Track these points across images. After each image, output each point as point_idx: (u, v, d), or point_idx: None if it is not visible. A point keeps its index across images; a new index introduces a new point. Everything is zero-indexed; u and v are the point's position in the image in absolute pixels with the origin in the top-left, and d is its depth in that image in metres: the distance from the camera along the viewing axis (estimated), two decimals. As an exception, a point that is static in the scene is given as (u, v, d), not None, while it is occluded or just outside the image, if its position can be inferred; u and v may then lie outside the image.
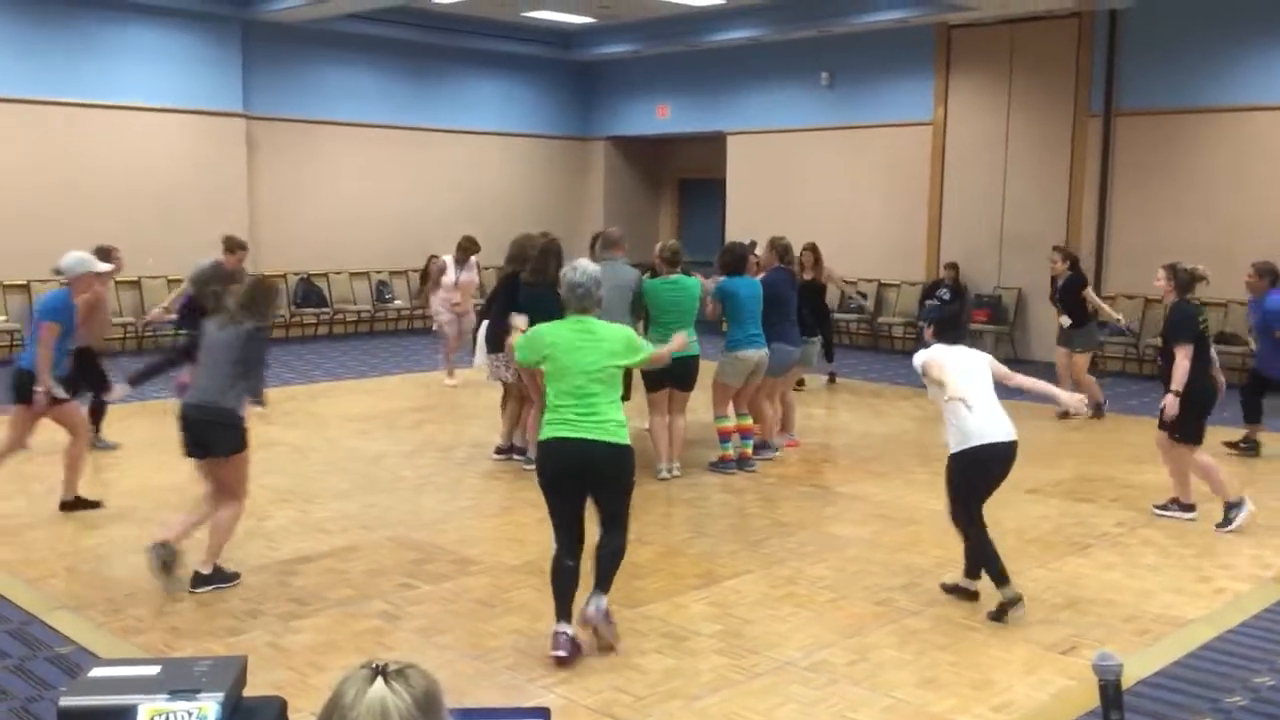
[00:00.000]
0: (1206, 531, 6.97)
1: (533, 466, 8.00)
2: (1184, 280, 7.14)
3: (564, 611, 4.91)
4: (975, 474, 5.52)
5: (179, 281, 14.63)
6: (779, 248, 9.13)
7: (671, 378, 7.78)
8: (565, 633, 4.87)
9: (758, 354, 8.29)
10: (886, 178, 15.62)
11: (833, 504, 7.56)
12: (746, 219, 16.87)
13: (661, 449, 8.14)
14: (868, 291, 15.24)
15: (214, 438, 5.71)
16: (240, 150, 15.08)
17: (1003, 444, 5.44)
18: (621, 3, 15.35)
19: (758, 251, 9.49)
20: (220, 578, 5.76)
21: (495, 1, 15.36)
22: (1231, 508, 7.03)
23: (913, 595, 5.75)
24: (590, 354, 4.92)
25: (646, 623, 5.33)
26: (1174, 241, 13.17)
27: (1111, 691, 1.99)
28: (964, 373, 5.41)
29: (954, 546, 6.55)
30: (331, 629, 5.23)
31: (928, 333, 5.85)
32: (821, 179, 16.27)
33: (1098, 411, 10.70)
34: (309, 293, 15.85)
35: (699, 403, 8.69)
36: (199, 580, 5.69)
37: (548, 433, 4.94)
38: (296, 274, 15.73)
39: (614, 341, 5.01)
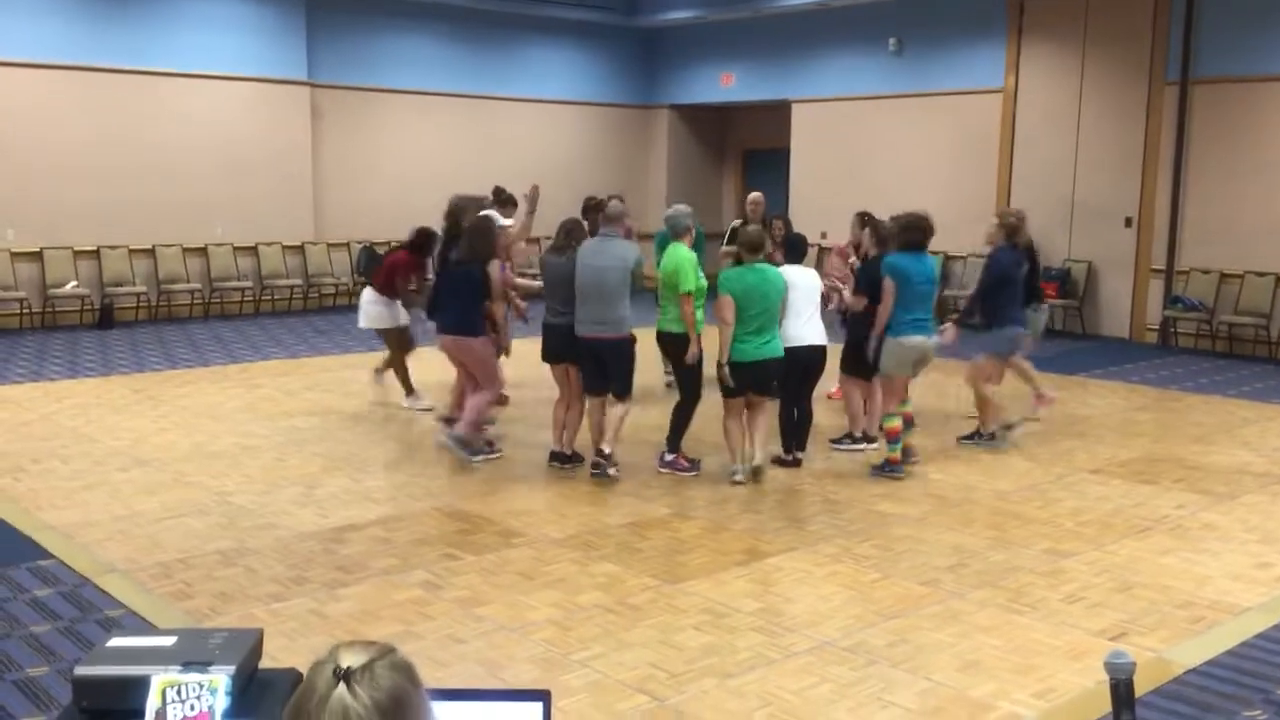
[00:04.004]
0: (1272, 516, 6.76)
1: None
2: (884, 234, 8.00)
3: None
4: (790, 367, 7.37)
5: (246, 249, 14.92)
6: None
7: (751, 382, 7.12)
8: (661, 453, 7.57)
9: (924, 341, 7.47)
10: (955, 147, 15.30)
11: (884, 482, 7.44)
12: (812, 189, 16.69)
13: (735, 448, 7.33)
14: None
15: (568, 349, 7.36)
16: (304, 118, 15.22)
17: (808, 347, 7.44)
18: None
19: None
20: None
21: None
22: (854, 439, 8.13)
23: (960, 577, 5.64)
24: (663, 269, 7.26)
25: (687, 599, 5.30)
26: (1251, 214, 12.78)
27: (1123, 691, 1.91)
28: (797, 289, 7.42)
29: (1006, 527, 6.45)
30: (373, 597, 5.28)
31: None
32: (889, 148, 15.99)
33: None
34: (371, 260, 15.91)
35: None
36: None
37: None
38: (359, 242, 15.85)
39: (669, 259, 7.25)
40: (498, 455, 7.85)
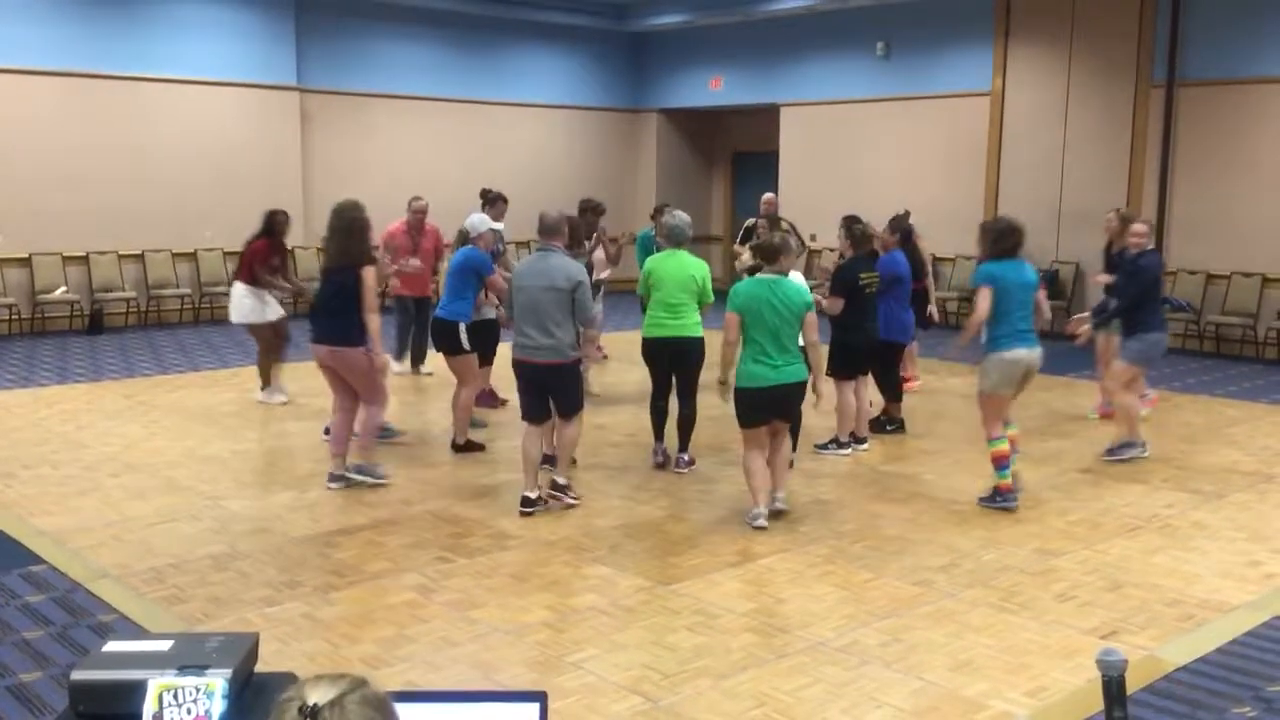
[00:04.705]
0: (1260, 514, 6.80)
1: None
2: (858, 236, 8.19)
3: (659, 435, 7.75)
4: None
5: (236, 254, 14.87)
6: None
7: (771, 409, 6.41)
8: (659, 447, 7.72)
9: (1030, 353, 6.74)
10: (943, 150, 15.35)
11: (876, 483, 7.48)
12: (801, 193, 16.71)
13: (759, 488, 6.42)
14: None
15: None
16: (294, 123, 15.20)
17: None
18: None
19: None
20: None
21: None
22: (839, 443, 8.16)
23: (952, 577, 5.67)
24: (680, 275, 7.40)
25: (679, 600, 5.32)
26: (1237, 215, 12.85)
27: (1115, 689, 1.93)
28: None
29: (997, 527, 6.49)
30: (367, 601, 5.28)
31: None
32: (877, 151, 16.03)
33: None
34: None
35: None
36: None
37: (649, 331, 7.51)
38: (350, 246, 15.84)
39: (696, 269, 7.46)
40: (386, 481, 7.22)
